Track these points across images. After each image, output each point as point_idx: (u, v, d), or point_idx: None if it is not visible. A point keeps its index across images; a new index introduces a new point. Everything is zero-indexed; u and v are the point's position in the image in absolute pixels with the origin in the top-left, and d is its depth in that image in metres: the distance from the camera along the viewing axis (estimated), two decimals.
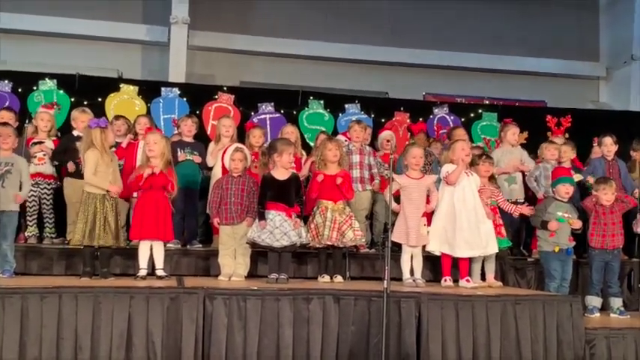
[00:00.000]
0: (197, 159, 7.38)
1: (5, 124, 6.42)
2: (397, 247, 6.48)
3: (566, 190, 6.68)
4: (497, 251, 6.55)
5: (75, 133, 7.33)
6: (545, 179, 7.63)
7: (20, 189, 6.09)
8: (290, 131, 7.74)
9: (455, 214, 6.34)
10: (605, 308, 6.83)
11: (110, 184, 5.92)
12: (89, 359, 4.95)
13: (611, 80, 13.13)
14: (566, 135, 8.60)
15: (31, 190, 6.94)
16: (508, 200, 7.10)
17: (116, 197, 6.01)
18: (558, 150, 7.94)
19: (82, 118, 7.28)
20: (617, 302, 6.78)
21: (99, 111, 8.32)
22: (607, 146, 7.87)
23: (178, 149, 7.34)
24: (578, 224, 6.62)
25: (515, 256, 7.64)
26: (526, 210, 6.85)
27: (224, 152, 6.61)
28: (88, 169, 5.90)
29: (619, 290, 6.88)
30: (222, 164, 6.72)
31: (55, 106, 7.92)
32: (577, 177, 6.76)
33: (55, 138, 7.47)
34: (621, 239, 6.82)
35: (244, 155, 6.41)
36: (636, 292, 7.50)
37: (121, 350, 5.02)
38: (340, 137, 7.85)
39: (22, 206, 6.53)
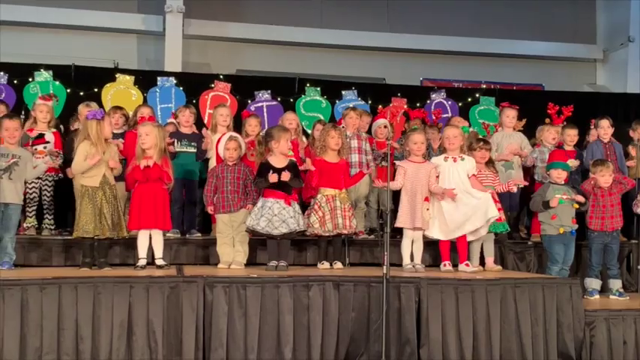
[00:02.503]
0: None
1: (12, 116, 6.42)
2: (396, 233, 6.50)
3: (557, 174, 6.69)
4: (498, 214, 6.49)
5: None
6: (542, 163, 7.62)
7: (25, 182, 6.14)
8: (291, 118, 7.70)
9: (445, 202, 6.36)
10: (604, 290, 6.83)
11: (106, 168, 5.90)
12: (90, 349, 4.97)
13: (608, 62, 13.10)
14: (564, 123, 8.57)
15: (32, 182, 6.97)
16: None
17: (114, 187, 5.99)
18: (559, 133, 7.93)
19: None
20: (616, 284, 6.78)
21: (95, 102, 8.29)
22: (604, 129, 7.86)
23: (175, 141, 7.32)
24: (580, 198, 6.62)
25: (514, 240, 7.64)
26: (520, 182, 6.96)
27: (218, 141, 6.59)
28: (77, 159, 5.89)
29: (618, 272, 6.88)
30: (217, 153, 6.70)
31: (53, 98, 7.89)
32: (572, 162, 6.74)
33: (55, 130, 7.44)
34: (620, 221, 6.82)
35: (238, 144, 6.39)
36: (635, 274, 7.51)
37: (121, 340, 5.03)
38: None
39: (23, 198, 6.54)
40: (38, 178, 6.98)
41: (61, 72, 9.08)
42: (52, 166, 7.08)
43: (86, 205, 5.81)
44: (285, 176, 6.00)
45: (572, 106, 8.60)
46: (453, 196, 6.24)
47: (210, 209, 6.35)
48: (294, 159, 6.65)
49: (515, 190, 6.87)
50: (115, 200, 5.96)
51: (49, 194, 7.21)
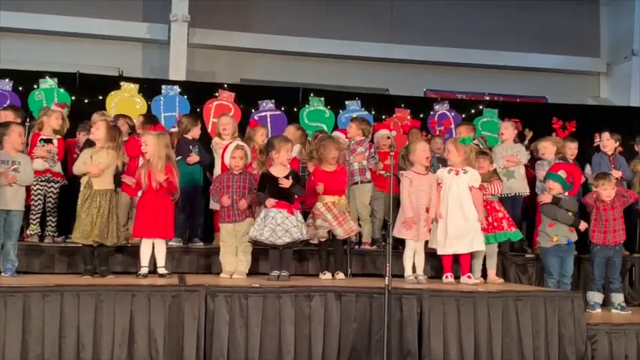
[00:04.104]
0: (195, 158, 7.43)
1: (18, 123, 6.49)
2: (398, 244, 6.49)
3: (549, 185, 6.72)
4: (484, 248, 6.52)
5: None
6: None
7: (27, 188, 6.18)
8: (297, 135, 7.72)
9: (446, 213, 6.37)
10: (606, 304, 6.82)
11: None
12: (91, 357, 4.97)
13: (612, 75, 13.12)
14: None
15: (38, 188, 7.02)
16: (507, 194, 7.20)
17: (112, 195, 6.00)
18: (545, 147, 7.87)
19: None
20: (618, 298, 6.78)
21: (100, 109, 8.32)
22: (603, 141, 7.88)
23: (190, 147, 7.39)
24: (583, 226, 6.63)
25: (516, 252, 7.63)
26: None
27: (224, 150, 6.61)
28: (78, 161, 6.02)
29: (620, 286, 6.87)
30: (222, 162, 6.72)
31: (65, 107, 7.94)
32: (562, 173, 6.74)
33: (60, 137, 7.47)
34: (623, 235, 6.81)
35: (244, 153, 6.41)
36: (638, 288, 7.52)
37: (123, 348, 5.03)
38: (339, 134, 7.87)
39: (27, 204, 6.55)
40: (44, 183, 7.02)
41: (65, 79, 9.09)
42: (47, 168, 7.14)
43: (81, 209, 5.86)
44: (286, 183, 6.01)
45: (574, 122, 8.59)
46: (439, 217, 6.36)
47: (224, 200, 6.23)
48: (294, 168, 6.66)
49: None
50: (114, 207, 5.96)
51: (53, 200, 7.23)
